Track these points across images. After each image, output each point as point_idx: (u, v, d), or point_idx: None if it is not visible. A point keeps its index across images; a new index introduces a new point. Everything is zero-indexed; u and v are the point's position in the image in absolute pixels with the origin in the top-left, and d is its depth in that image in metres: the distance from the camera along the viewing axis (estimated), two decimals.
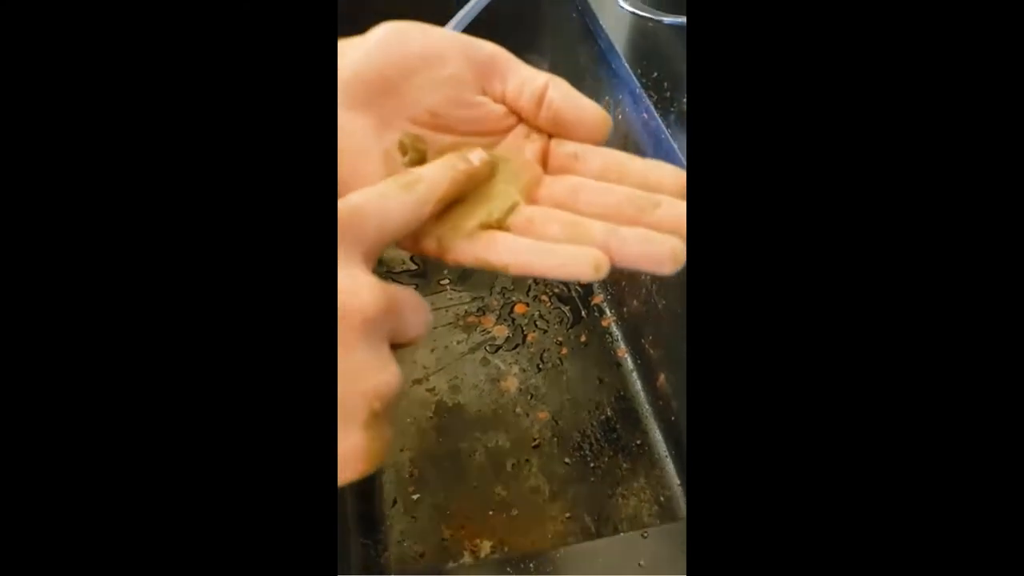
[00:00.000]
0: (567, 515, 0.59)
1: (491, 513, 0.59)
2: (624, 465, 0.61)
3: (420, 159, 0.29)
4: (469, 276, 0.75)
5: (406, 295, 0.25)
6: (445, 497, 0.59)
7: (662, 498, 0.60)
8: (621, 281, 0.70)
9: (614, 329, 0.70)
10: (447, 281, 0.75)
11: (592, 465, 0.61)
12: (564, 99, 0.29)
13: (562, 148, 0.30)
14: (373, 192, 0.25)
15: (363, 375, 0.23)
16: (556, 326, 0.71)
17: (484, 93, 0.30)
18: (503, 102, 0.30)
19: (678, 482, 0.60)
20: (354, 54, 0.29)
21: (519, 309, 0.72)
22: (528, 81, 0.29)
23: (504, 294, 0.73)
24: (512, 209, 0.28)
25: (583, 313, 0.71)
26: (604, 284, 0.74)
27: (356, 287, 0.23)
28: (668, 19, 0.56)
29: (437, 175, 0.27)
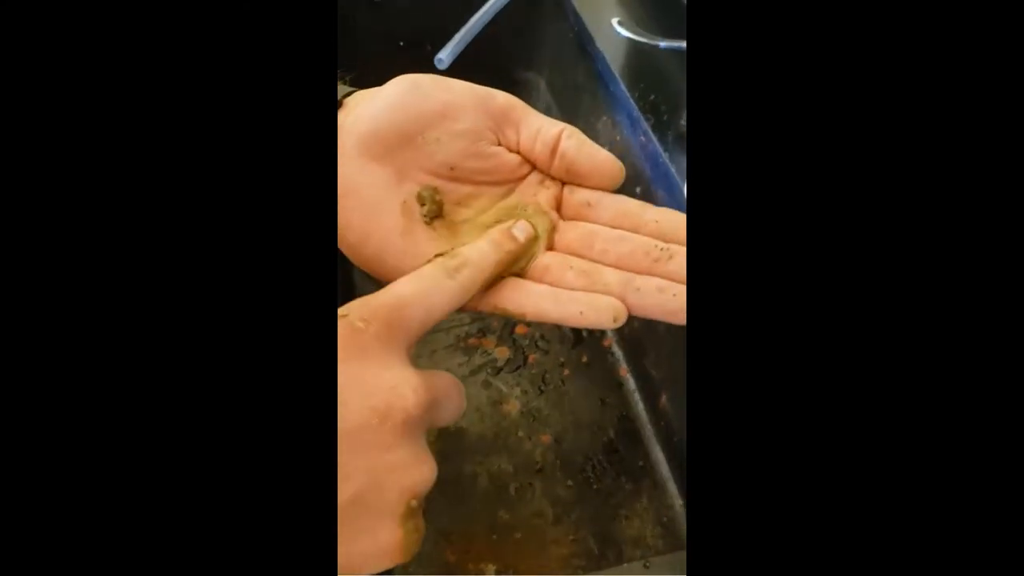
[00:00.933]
0: (571, 538, 0.58)
1: (495, 537, 0.58)
2: (627, 486, 0.61)
3: (437, 210, 0.29)
4: None
5: (444, 383, 0.26)
6: (449, 522, 0.59)
7: (665, 519, 0.59)
8: None
9: (615, 349, 0.70)
10: None
11: (595, 487, 0.61)
12: (578, 149, 0.30)
13: (575, 196, 0.31)
14: (417, 282, 0.25)
15: (401, 473, 0.23)
16: (557, 346, 0.71)
17: (499, 143, 0.30)
18: (517, 151, 0.30)
19: (681, 502, 0.60)
20: (372, 107, 0.29)
21: (520, 330, 0.72)
22: (542, 130, 0.30)
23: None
24: (532, 257, 0.29)
25: (584, 333, 0.71)
26: None
27: (399, 384, 0.23)
28: (664, 44, 0.56)
29: (482, 260, 0.27)
